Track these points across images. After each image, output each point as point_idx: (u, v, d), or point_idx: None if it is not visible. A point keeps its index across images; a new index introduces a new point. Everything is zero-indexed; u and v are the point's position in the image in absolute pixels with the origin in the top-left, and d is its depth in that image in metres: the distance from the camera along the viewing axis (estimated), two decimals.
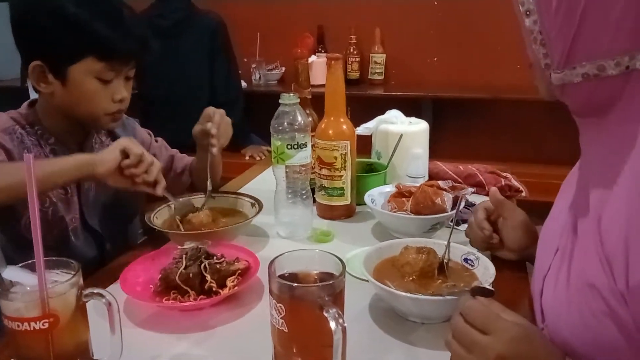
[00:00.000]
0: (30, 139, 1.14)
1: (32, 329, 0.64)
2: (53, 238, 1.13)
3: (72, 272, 0.68)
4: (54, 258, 0.69)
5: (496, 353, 0.62)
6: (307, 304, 0.67)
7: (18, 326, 0.64)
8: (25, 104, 1.20)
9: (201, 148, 1.32)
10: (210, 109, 1.28)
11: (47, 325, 0.64)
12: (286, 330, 0.69)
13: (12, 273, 0.67)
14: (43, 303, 0.64)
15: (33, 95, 2.98)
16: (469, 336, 0.65)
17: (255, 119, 3.13)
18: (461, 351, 0.66)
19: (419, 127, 1.46)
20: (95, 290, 0.68)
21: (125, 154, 1.04)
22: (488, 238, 1.03)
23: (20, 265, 0.68)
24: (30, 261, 0.67)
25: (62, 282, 0.66)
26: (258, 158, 2.71)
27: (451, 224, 1.04)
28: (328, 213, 1.30)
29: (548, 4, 0.62)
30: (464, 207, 1.24)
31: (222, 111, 1.30)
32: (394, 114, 1.50)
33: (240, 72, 2.99)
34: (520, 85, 2.66)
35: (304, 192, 1.19)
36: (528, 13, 0.64)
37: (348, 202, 1.29)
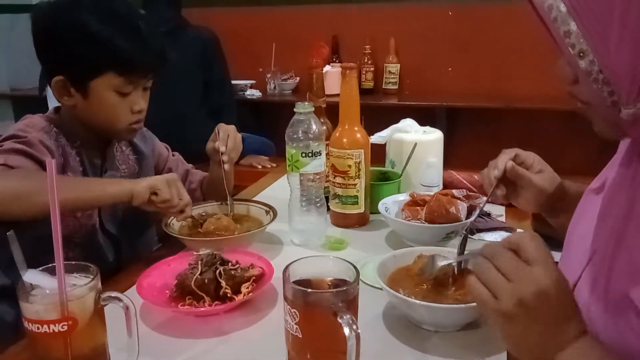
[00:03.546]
0: (63, 139, 1.18)
1: (51, 331, 0.65)
2: (81, 236, 1.18)
3: (91, 276, 0.69)
4: (73, 262, 0.70)
5: (540, 287, 0.60)
6: (321, 309, 0.68)
7: (38, 328, 0.65)
8: (51, 109, 1.24)
9: (214, 164, 1.35)
10: (219, 126, 1.32)
11: (65, 327, 0.65)
12: (300, 336, 0.69)
13: (33, 276, 0.68)
14: (62, 306, 0.65)
15: (52, 104, 3.05)
16: (512, 262, 0.62)
17: (269, 128, 3.17)
18: (498, 277, 0.63)
19: (433, 136, 1.46)
20: (113, 294, 0.69)
21: (154, 192, 1.07)
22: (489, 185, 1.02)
23: (40, 268, 0.70)
24: (50, 265, 0.68)
25: (81, 285, 0.67)
26: (259, 167, 2.72)
27: (465, 232, 1.04)
28: (342, 221, 1.30)
29: (606, 41, 0.57)
30: (479, 216, 1.24)
31: (230, 127, 1.33)
32: (408, 123, 1.51)
33: (254, 82, 3.02)
34: (535, 95, 2.65)
35: (318, 200, 1.20)
36: (582, 54, 0.59)
37: (362, 210, 1.29)
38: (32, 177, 1.04)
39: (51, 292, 0.66)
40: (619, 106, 0.60)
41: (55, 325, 0.65)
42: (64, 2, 1.11)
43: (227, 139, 1.30)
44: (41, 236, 0.97)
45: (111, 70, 1.12)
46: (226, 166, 1.28)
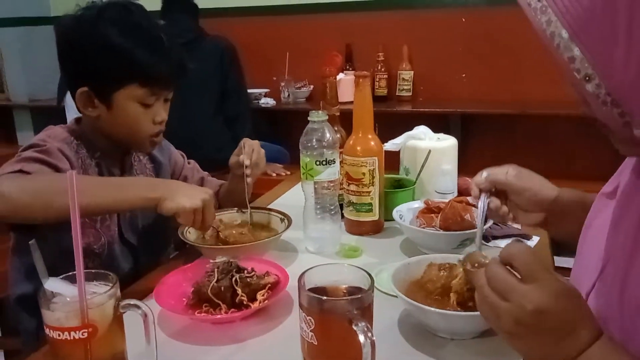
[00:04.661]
0: (82, 151, 1.20)
1: (71, 338, 0.66)
2: (101, 245, 1.19)
3: (110, 284, 0.70)
4: (93, 270, 0.71)
5: (534, 305, 0.59)
6: (336, 317, 0.69)
7: (59, 335, 0.67)
8: (72, 120, 1.27)
9: (234, 177, 1.36)
10: (244, 140, 1.34)
11: (86, 334, 0.66)
12: (316, 343, 0.70)
13: (54, 284, 0.70)
14: (82, 313, 0.66)
15: (69, 114, 3.08)
16: (506, 283, 0.61)
17: (284, 136, 3.19)
18: (494, 298, 0.62)
19: (447, 143, 1.46)
20: (132, 302, 0.71)
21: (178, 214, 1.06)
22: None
23: (61, 277, 0.71)
24: (70, 273, 0.70)
25: (101, 293, 0.69)
26: (274, 175, 2.73)
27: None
28: (356, 229, 1.31)
29: (610, 63, 0.56)
30: (494, 223, 1.23)
31: (255, 142, 1.34)
32: (422, 130, 1.51)
33: (269, 90, 3.04)
34: (549, 101, 2.63)
35: (332, 207, 1.21)
36: (588, 78, 0.58)
37: (376, 217, 1.29)
38: (51, 178, 1.05)
39: (72, 299, 0.68)
40: (631, 126, 0.60)
41: (75, 332, 0.66)
42: (86, 15, 1.14)
43: (251, 153, 1.31)
44: (60, 247, 0.99)
45: (134, 82, 1.14)
46: (249, 180, 1.30)
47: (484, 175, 1.00)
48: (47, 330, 0.68)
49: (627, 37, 0.55)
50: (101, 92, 1.15)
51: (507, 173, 0.99)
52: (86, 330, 0.66)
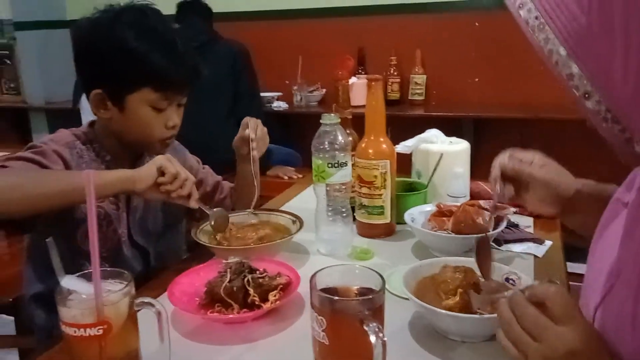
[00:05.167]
0: (89, 155, 1.21)
1: (87, 335, 0.67)
2: (107, 249, 1.19)
3: (125, 282, 0.72)
4: (108, 268, 0.73)
5: (568, 347, 0.59)
6: (347, 317, 0.69)
7: (74, 332, 0.68)
8: (86, 123, 1.28)
9: (241, 159, 1.37)
10: (247, 118, 1.35)
11: (101, 331, 0.67)
12: (327, 344, 0.70)
13: (70, 282, 0.71)
14: (98, 310, 0.67)
15: (85, 116, 3.11)
16: (539, 323, 0.61)
17: (296, 139, 3.20)
18: (524, 336, 0.62)
19: (460, 147, 1.46)
20: (146, 300, 0.72)
21: (161, 172, 1.09)
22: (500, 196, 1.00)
23: (77, 274, 0.72)
24: (86, 271, 0.71)
25: (116, 291, 0.70)
26: (286, 178, 2.74)
27: (492, 244, 1.03)
28: (368, 231, 1.31)
29: (609, 80, 0.56)
30: (506, 227, 1.23)
31: (258, 120, 1.36)
32: (433, 133, 1.51)
33: (281, 94, 3.05)
34: (563, 105, 2.61)
35: (344, 210, 1.21)
36: (587, 95, 0.59)
37: (388, 220, 1.30)
38: (27, 172, 1.07)
39: (87, 297, 0.69)
40: (633, 142, 0.60)
41: (91, 329, 0.67)
42: (103, 18, 1.16)
43: (256, 128, 1.33)
44: (70, 248, 1.01)
45: (147, 85, 1.15)
46: (254, 153, 1.31)
47: (507, 155, 1.00)
48: (63, 327, 0.69)
49: (625, 55, 0.55)
50: (114, 95, 1.16)
51: (532, 163, 0.99)
52: (101, 327, 0.67)
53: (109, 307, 0.68)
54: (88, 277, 0.70)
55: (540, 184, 0.98)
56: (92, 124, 1.27)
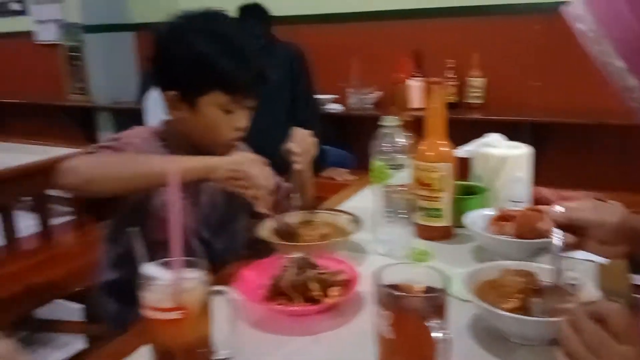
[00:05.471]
0: (164, 151, 1.28)
1: (166, 318, 0.72)
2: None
3: (201, 271, 0.76)
4: (185, 258, 0.77)
5: None
6: (412, 314, 0.71)
7: (155, 315, 0.73)
8: (161, 121, 1.35)
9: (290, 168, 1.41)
10: (295, 129, 1.39)
11: (179, 316, 0.72)
12: (391, 340, 0.72)
13: (151, 269, 0.76)
14: (177, 296, 0.72)
15: (148, 116, 3.22)
16: (601, 340, 0.61)
17: (351, 141, 3.23)
18: (584, 352, 0.61)
19: (521, 151, 1.44)
20: (220, 288, 0.76)
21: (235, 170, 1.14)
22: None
23: (156, 262, 0.78)
24: (165, 259, 0.76)
25: (194, 278, 0.74)
26: (340, 179, 2.76)
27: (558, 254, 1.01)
28: (426, 233, 1.32)
29: None
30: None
31: (305, 131, 1.40)
32: (494, 138, 1.50)
33: (337, 96, 3.07)
34: (628, 111, 2.53)
35: (402, 211, 1.23)
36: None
37: (446, 223, 1.30)
38: (117, 155, 1.17)
39: (168, 283, 0.74)
40: None
41: (170, 313, 0.72)
42: (177, 24, 1.23)
43: (301, 141, 1.37)
44: (143, 237, 1.07)
45: (217, 89, 1.21)
46: (297, 166, 1.34)
47: (557, 209, 0.96)
48: (144, 311, 0.74)
49: None
50: (187, 97, 1.23)
51: (583, 209, 0.95)
52: (180, 312, 0.72)
53: (187, 293, 0.73)
54: (166, 265, 0.75)
55: (598, 225, 0.93)
56: (167, 122, 1.34)
